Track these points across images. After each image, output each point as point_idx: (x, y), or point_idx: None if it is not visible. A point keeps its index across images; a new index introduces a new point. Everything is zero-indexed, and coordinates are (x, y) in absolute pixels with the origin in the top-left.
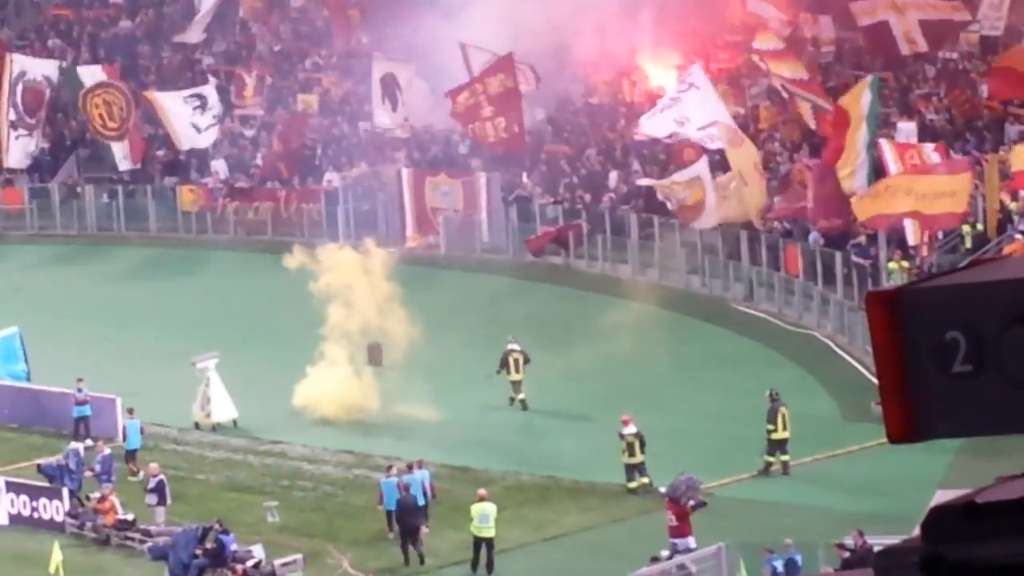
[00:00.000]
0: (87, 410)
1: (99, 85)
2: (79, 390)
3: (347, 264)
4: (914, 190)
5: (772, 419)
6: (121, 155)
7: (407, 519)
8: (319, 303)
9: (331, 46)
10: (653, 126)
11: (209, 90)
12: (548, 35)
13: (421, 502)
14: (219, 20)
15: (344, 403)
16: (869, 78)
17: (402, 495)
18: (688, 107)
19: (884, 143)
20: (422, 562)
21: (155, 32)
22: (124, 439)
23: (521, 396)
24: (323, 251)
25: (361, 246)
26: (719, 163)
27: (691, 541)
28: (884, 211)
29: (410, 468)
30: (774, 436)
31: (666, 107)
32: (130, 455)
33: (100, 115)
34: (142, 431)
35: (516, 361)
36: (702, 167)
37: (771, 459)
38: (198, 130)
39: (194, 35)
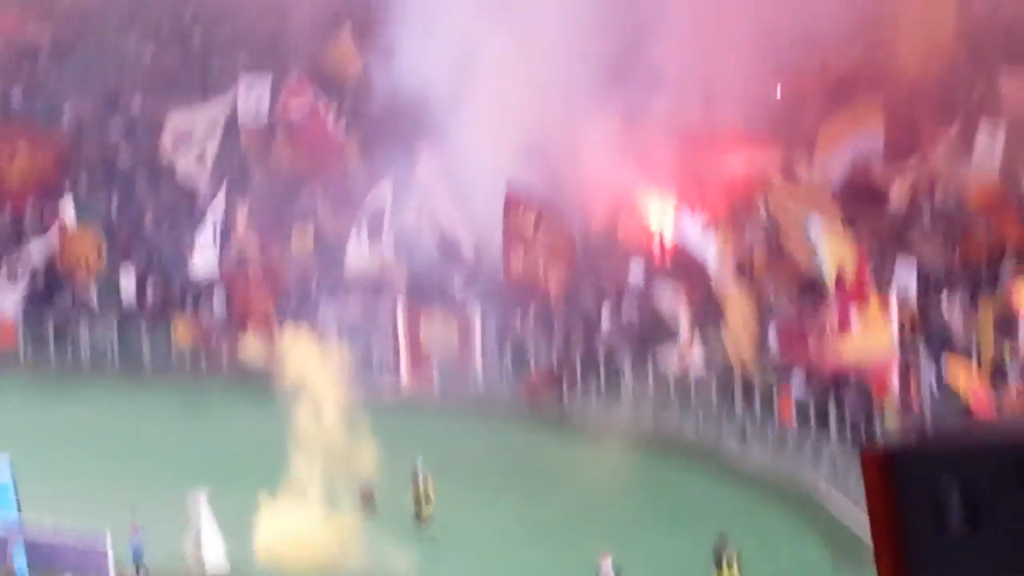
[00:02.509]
0: None
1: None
2: None
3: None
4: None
5: (718, 563)
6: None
7: None
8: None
9: (327, 181)
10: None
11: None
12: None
13: None
14: (220, 157)
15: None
16: None
17: None
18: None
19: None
20: None
21: (152, 166)
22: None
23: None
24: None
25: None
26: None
27: None
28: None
29: None
30: None
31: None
32: None
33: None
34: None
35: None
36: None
37: None
38: (202, 251)
39: (191, 166)
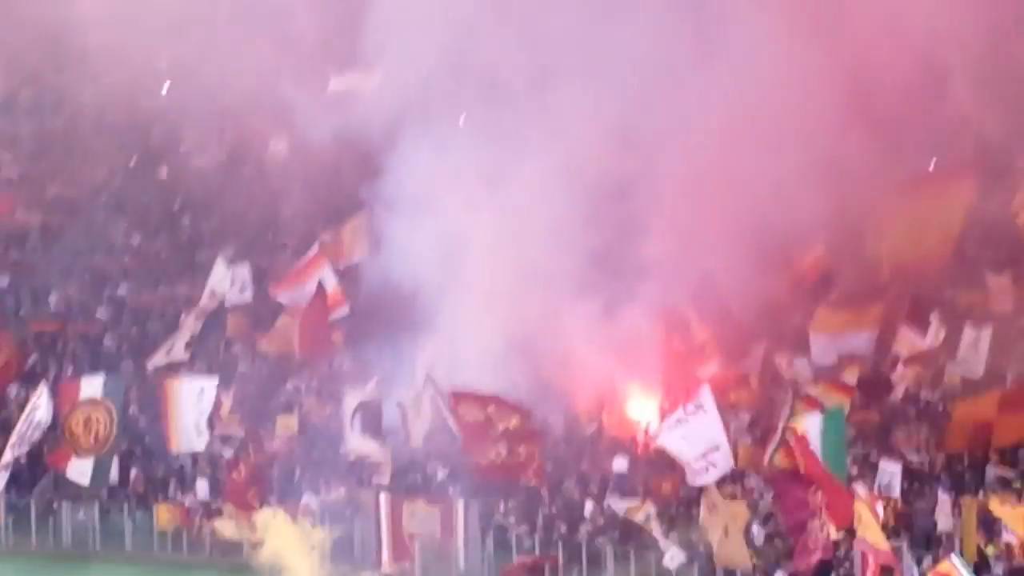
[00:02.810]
0: None
1: (88, 401)
2: None
3: None
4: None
5: None
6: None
7: None
8: None
9: (313, 369)
10: (668, 440)
11: (208, 387)
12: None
13: None
14: (203, 339)
15: None
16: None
17: None
18: (694, 429)
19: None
20: None
21: (138, 349)
22: None
23: None
24: None
25: None
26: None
27: None
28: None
29: None
30: None
31: (678, 422)
32: None
33: (78, 432)
34: None
35: None
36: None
37: None
38: (199, 431)
39: (178, 354)
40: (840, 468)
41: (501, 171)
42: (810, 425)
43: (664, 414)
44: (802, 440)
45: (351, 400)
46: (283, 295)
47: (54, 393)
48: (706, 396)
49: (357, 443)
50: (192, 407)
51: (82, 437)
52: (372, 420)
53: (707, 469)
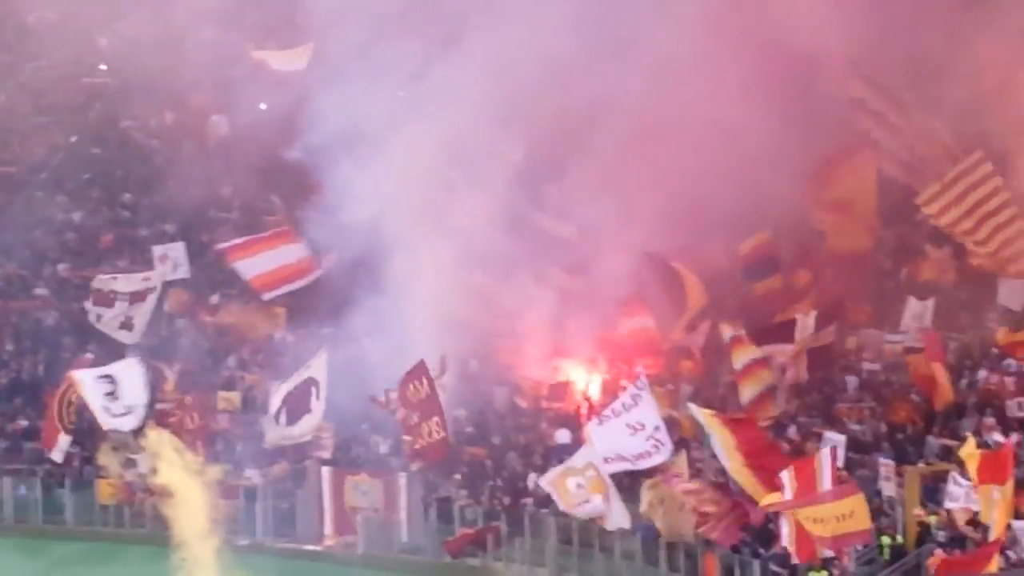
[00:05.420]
0: None
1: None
2: None
3: None
4: (819, 518)
5: None
6: (63, 446)
7: None
8: None
9: (255, 343)
10: (603, 434)
11: (122, 374)
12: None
13: None
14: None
15: None
16: None
17: None
18: (639, 414)
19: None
20: None
21: (83, 323)
22: None
23: None
24: None
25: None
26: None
27: None
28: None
29: None
30: None
31: (619, 413)
32: None
33: (64, 409)
34: None
35: None
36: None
37: None
38: (110, 414)
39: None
40: None
41: (442, 141)
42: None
43: (602, 402)
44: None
45: (276, 398)
46: (242, 265)
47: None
48: (642, 384)
49: (282, 433)
50: (96, 395)
51: (66, 415)
52: (300, 407)
53: (656, 448)
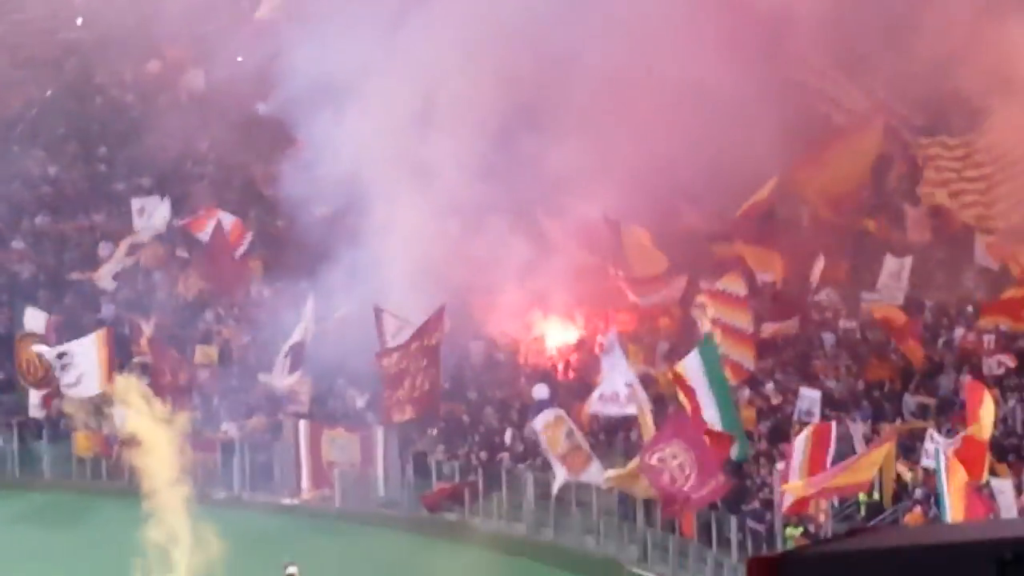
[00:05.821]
0: None
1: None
2: None
3: None
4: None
5: None
6: (35, 401)
7: None
8: None
9: (232, 297)
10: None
11: (82, 347)
12: (452, 290)
13: None
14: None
15: None
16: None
17: None
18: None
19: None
20: None
21: (56, 275)
22: None
23: None
24: None
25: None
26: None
27: None
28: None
29: None
30: None
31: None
32: None
33: (28, 361)
34: None
35: None
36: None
37: None
38: (64, 384)
39: (105, 282)
40: (724, 393)
41: (423, 91)
42: (690, 361)
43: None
44: (680, 379)
45: (284, 346)
46: (199, 230)
47: None
48: (611, 339)
49: (286, 381)
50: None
51: (28, 372)
52: (299, 358)
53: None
